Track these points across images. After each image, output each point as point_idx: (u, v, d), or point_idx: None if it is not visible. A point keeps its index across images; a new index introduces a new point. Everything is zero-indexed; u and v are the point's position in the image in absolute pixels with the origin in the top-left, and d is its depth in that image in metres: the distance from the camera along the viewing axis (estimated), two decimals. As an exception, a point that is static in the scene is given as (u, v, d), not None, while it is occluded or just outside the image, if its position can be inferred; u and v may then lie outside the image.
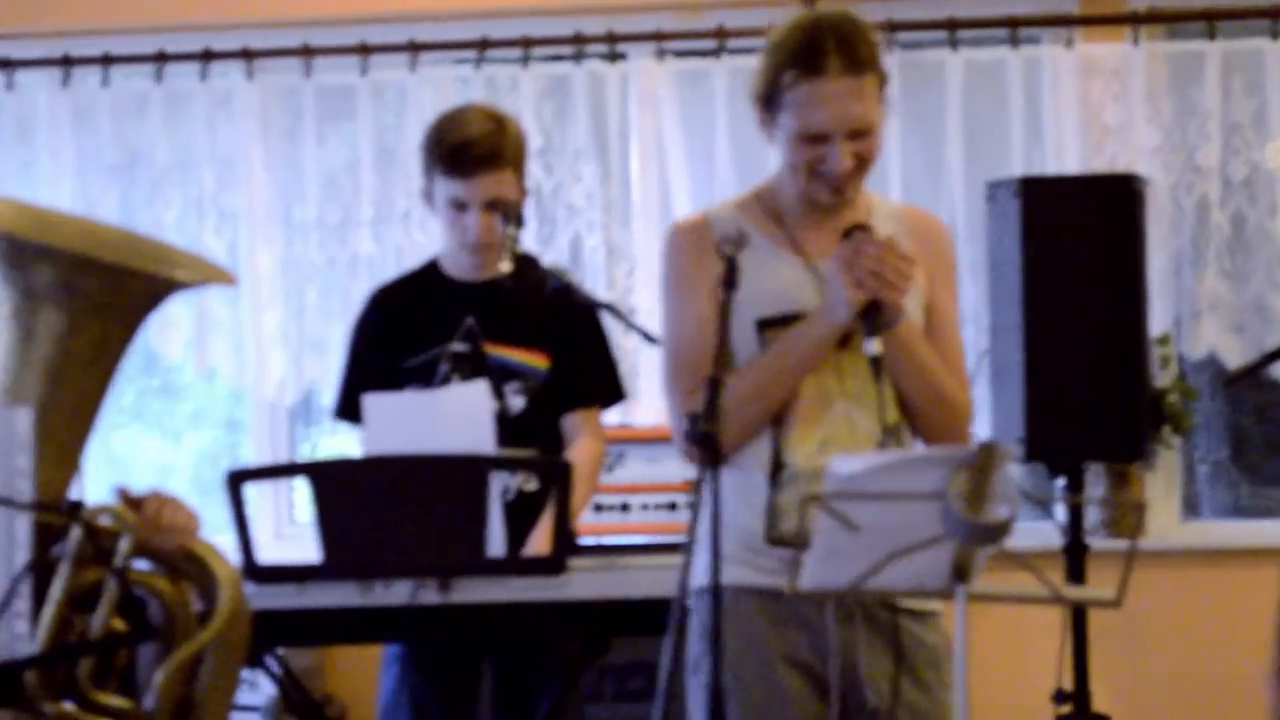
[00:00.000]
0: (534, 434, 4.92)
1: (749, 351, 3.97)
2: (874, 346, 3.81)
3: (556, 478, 4.44)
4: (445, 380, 4.92)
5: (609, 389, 5.07)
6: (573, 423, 4.99)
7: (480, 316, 4.95)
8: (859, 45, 3.89)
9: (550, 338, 4.97)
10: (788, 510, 3.91)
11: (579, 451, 4.94)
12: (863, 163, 3.93)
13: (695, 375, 3.92)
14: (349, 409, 5.00)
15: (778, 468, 3.97)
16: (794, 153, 3.94)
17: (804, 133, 3.90)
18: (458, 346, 4.95)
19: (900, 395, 4.01)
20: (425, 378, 4.94)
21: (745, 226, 3.93)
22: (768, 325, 3.97)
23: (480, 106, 5.15)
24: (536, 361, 4.98)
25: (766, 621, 3.96)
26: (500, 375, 4.94)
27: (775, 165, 4.08)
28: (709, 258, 3.96)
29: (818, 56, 3.86)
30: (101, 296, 3.24)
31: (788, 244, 4.00)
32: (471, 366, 4.94)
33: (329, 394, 6.68)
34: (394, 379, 4.94)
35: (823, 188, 3.93)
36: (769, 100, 3.95)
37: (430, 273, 5.12)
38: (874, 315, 3.83)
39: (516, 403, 4.95)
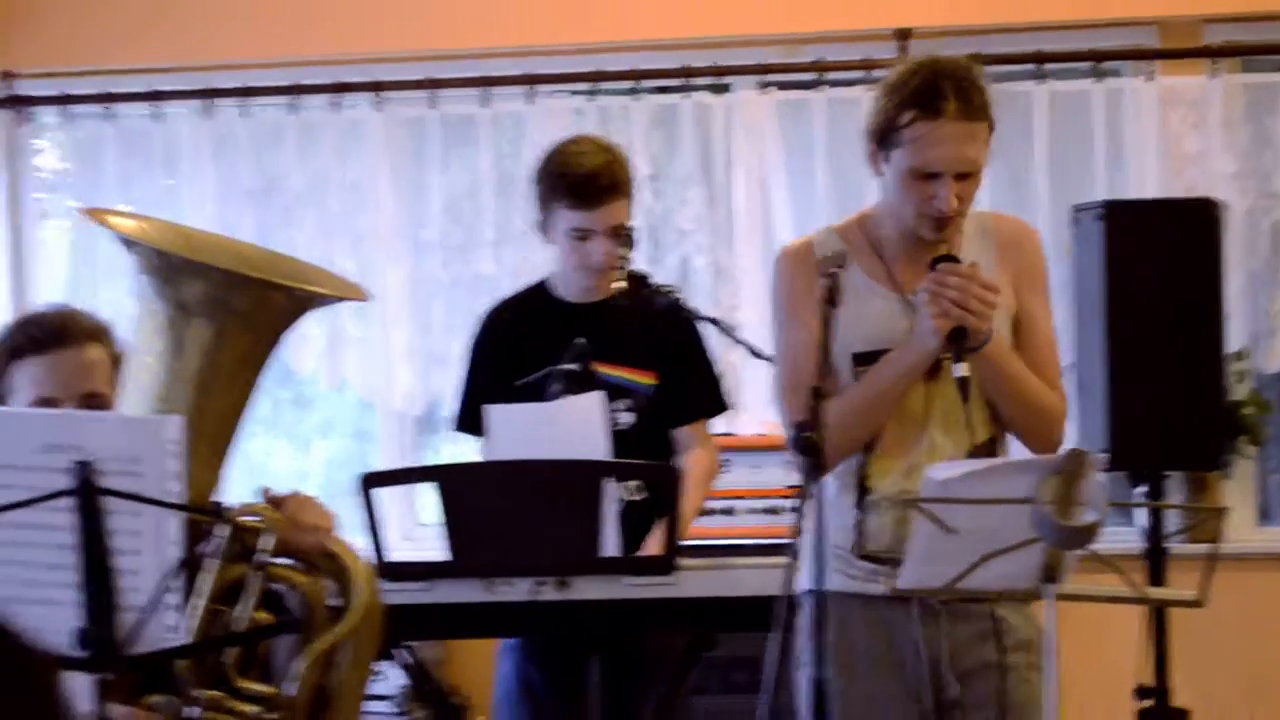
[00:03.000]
0: (642, 448, 4.92)
1: (844, 381, 3.99)
2: (961, 370, 3.82)
3: (666, 483, 4.45)
4: (555, 398, 4.91)
5: (715, 401, 5.08)
6: (685, 435, 5.00)
7: (590, 336, 4.96)
8: (974, 93, 3.91)
9: (657, 356, 4.97)
10: (874, 532, 3.97)
11: (693, 461, 4.96)
12: (965, 204, 3.93)
13: (804, 397, 3.93)
14: (466, 422, 5.02)
15: (863, 492, 3.98)
16: (904, 188, 3.94)
17: (918, 170, 3.90)
18: (568, 365, 4.96)
19: (994, 408, 4.01)
20: (537, 395, 4.94)
21: (847, 254, 3.94)
22: (862, 359, 3.98)
23: (590, 138, 5.14)
24: (644, 379, 4.99)
25: (863, 624, 3.98)
26: (611, 393, 4.94)
27: (872, 192, 4.08)
28: (813, 280, 3.94)
29: (937, 100, 3.87)
30: (247, 310, 3.26)
31: (884, 276, 4.02)
32: (581, 385, 4.94)
33: (452, 405, 6.72)
34: (507, 396, 4.94)
35: (928, 224, 3.94)
36: (884, 137, 3.94)
37: (540, 294, 5.12)
38: (960, 340, 3.84)
39: (625, 419, 4.96)
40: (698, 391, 5.03)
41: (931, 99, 3.87)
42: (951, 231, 3.97)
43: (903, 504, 3.72)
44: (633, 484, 4.86)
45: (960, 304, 3.83)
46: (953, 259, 3.92)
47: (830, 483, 4.04)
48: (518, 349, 5.02)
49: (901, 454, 3.99)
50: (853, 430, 3.89)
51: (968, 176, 3.91)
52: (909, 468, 3.97)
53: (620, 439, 4.89)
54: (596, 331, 4.97)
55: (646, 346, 4.98)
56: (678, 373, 4.99)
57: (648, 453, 4.93)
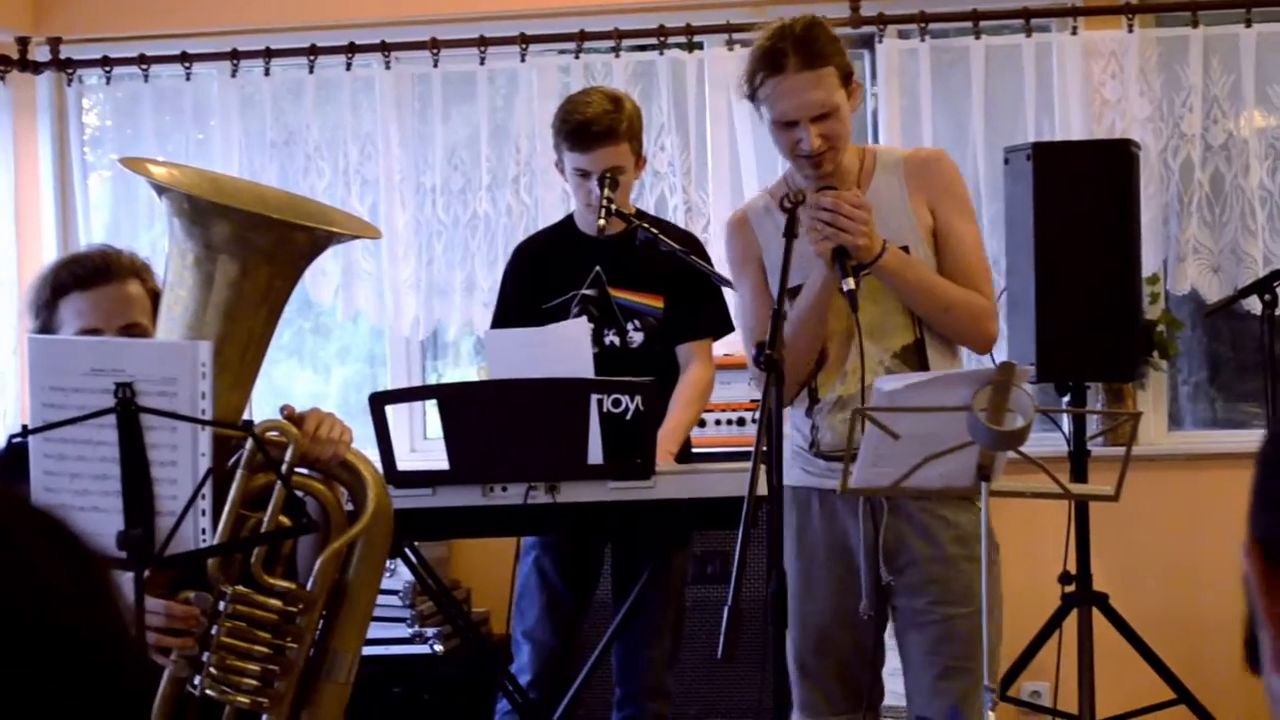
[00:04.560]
0: (653, 364, 4.95)
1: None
2: (848, 284, 3.82)
3: (646, 400, 4.46)
4: (578, 318, 4.97)
5: (717, 322, 5.10)
6: (686, 352, 5.04)
7: (606, 265, 5.00)
8: (814, 43, 3.94)
9: (664, 281, 5.00)
10: (824, 433, 4.05)
11: (689, 377, 5.00)
12: (833, 142, 3.96)
13: (759, 331, 4.02)
14: None
15: (814, 400, 4.04)
16: (776, 139, 4.02)
17: (778, 121, 3.97)
18: (588, 291, 5.00)
19: (915, 313, 4.03)
20: (562, 317, 4.99)
21: (772, 209, 4.07)
22: (792, 294, 4.02)
23: (602, 90, 5.17)
24: (653, 302, 5.02)
25: (820, 514, 4.09)
26: (623, 314, 4.98)
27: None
28: (750, 242, 4.17)
29: (779, 57, 3.93)
30: (270, 248, 3.26)
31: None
32: (598, 308, 4.98)
33: (454, 331, 6.73)
34: (536, 318, 4.98)
35: (804, 165, 3.98)
36: (752, 99, 4.01)
37: (566, 227, 5.17)
38: (844, 259, 3.84)
39: (637, 337, 5.00)
40: (697, 314, 5.05)
41: (774, 57, 3.93)
42: (828, 168, 3.98)
43: (852, 413, 3.73)
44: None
45: (833, 224, 3.85)
46: (829, 188, 3.94)
47: (790, 407, 4.11)
48: (545, 275, 5.07)
49: (837, 364, 4.06)
50: (793, 355, 3.90)
51: (825, 117, 3.92)
52: (844, 375, 4.05)
53: (632, 356, 4.95)
54: (611, 260, 5.00)
55: (655, 273, 5.01)
56: (682, 296, 5.01)
57: (657, 368, 4.97)
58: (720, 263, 6.35)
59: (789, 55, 3.90)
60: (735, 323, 4.29)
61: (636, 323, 5.00)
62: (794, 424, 4.14)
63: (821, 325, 4.00)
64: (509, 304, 5.13)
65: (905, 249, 4.01)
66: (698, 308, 5.05)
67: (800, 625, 4.04)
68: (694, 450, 5.25)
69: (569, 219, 5.20)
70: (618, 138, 4.91)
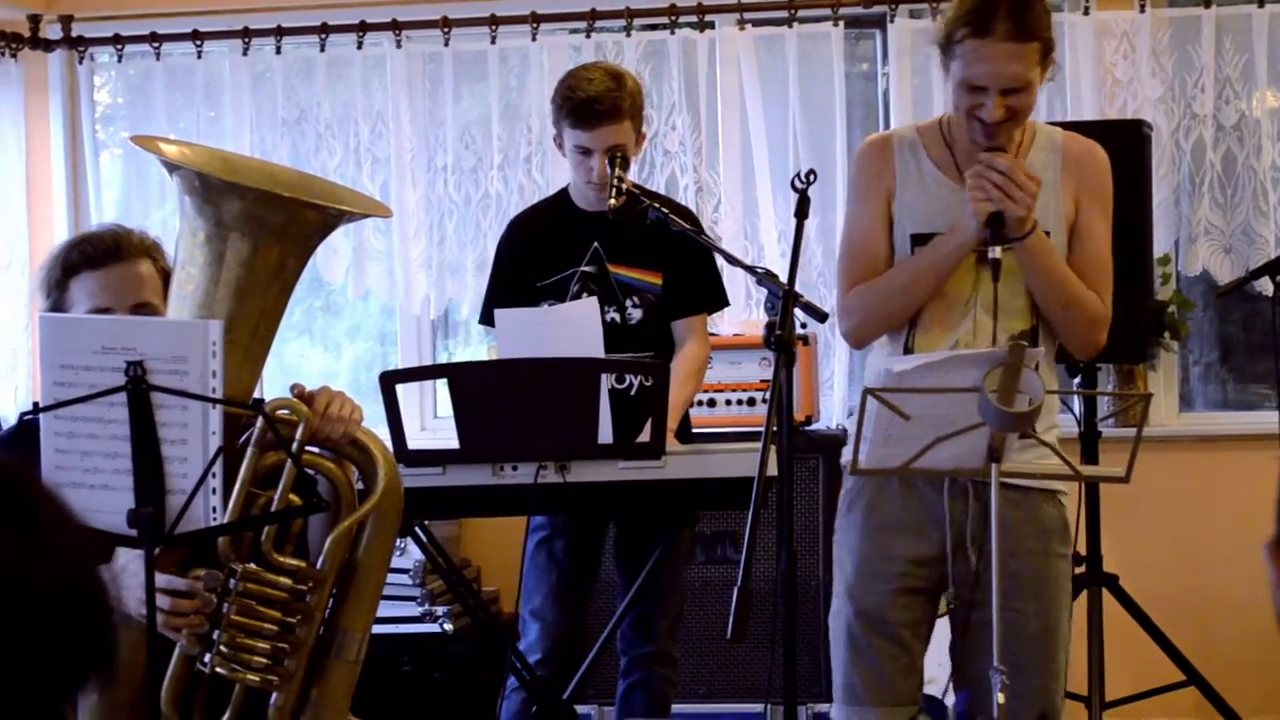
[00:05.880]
0: (651, 339, 4.95)
1: (901, 259, 3.97)
2: (995, 252, 3.76)
3: (657, 380, 4.45)
4: (575, 297, 4.94)
5: (712, 298, 5.08)
6: (682, 328, 5.01)
7: (604, 242, 4.97)
8: (1028, 15, 3.80)
9: (662, 258, 4.98)
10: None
11: (685, 353, 4.97)
12: (1015, 115, 3.85)
13: (860, 270, 3.97)
14: (489, 317, 5.03)
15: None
16: (957, 97, 3.88)
17: (966, 82, 3.83)
18: (587, 268, 4.98)
19: (1036, 300, 3.95)
20: (559, 295, 4.96)
21: (919, 147, 3.97)
22: (919, 240, 3.95)
23: (604, 65, 5.14)
24: (651, 279, 5.00)
25: (899, 493, 3.95)
26: (622, 291, 4.96)
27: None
28: (886, 170, 4.00)
29: (989, 20, 3.79)
30: (281, 226, 3.25)
31: (951, 167, 3.97)
32: (598, 285, 4.96)
33: (465, 310, 6.73)
34: (531, 295, 4.96)
35: (978, 130, 3.87)
36: (944, 48, 3.88)
37: (562, 201, 5.12)
38: (998, 226, 3.79)
39: (635, 314, 4.98)
40: (695, 290, 5.03)
41: (984, 18, 3.79)
42: (1003, 139, 3.88)
43: (863, 392, 3.69)
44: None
45: (1001, 188, 3.78)
46: (1000, 150, 3.87)
47: (876, 355, 4.02)
48: (542, 251, 5.03)
49: (946, 331, 3.94)
50: (894, 302, 3.84)
51: (1016, 91, 3.81)
52: (953, 344, 3.92)
53: (631, 332, 4.94)
54: (609, 237, 4.97)
55: (654, 250, 4.98)
56: (679, 273, 4.99)
57: (655, 344, 4.97)
58: (731, 239, 6.38)
59: (999, 20, 3.77)
60: (841, 247, 4.10)
61: (635, 299, 4.98)
62: (876, 381, 3.88)
63: (940, 284, 3.89)
64: (505, 279, 5.08)
65: (1046, 233, 3.93)
66: (695, 284, 5.03)
67: (858, 604, 3.91)
68: (699, 430, 5.25)
69: (564, 193, 5.16)
70: (620, 115, 4.89)
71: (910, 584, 3.95)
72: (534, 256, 5.02)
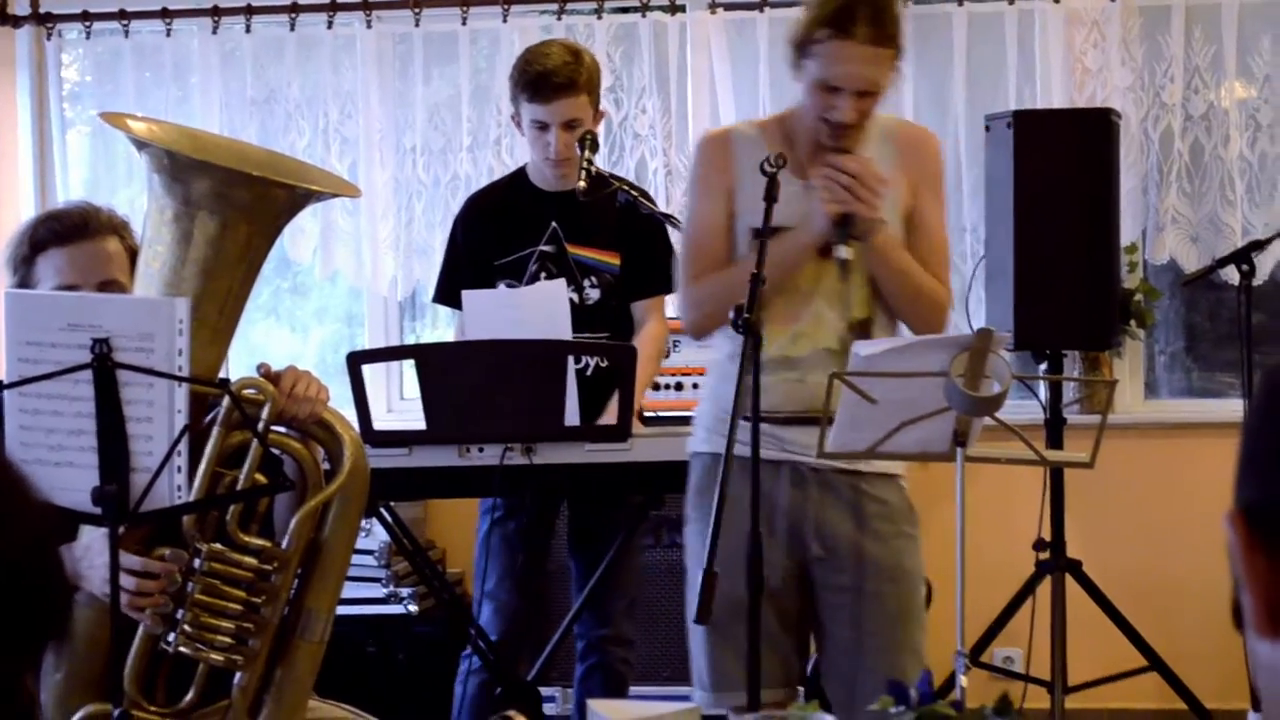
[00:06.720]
0: (608, 320, 4.96)
1: (742, 254, 3.97)
2: (844, 252, 3.80)
3: (622, 360, 4.46)
4: (534, 277, 4.94)
5: (669, 280, 5.08)
6: (641, 309, 5.01)
7: (563, 222, 4.96)
8: (887, 21, 3.86)
9: (621, 239, 4.98)
10: (765, 392, 3.73)
11: (646, 334, 4.97)
12: (864, 118, 3.91)
13: (701, 264, 3.99)
14: (445, 295, 5.03)
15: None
16: (811, 95, 3.92)
17: (824, 82, 3.87)
18: (545, 247, 4.97)
19: (883, 293, 3.98)
20: (517, 274, 4.96)
21: (760, 143, 3.96)
22: (760, 234, 3.97)
23: (560, 42, 5.16)
24: (610, 259, 5.00)
25: (744, 483, 3.81)
26: (580, 271, 4.96)
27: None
28: (728, 166, 4.01)
29: (850, 22, 3.83)
30: (249, 205, 3.25)
31: (793, 164, 3.96)
32: (556, 265, 4.96)
33: (432, 291, 6.71)
34: (488, 274, 4.96)
35: (827, 131, 3.91)
36: (801, 47, 3.92)
37: (519, 181, 5.12)
38: (846, 225, 3.82)
39: (593, 294, 4.97)
40: (654, 271, 5.03)
41: (844, 20, 3.83)
42: (850, 142, 3.93)
43: (830, 377, 3.69)
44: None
45: (850, 190, 3.82)
46: (848, 151, 3.90)
47: (723, 353, 4.02)
48: (499, 230, 5.02)
49: (788, 322, 3.94)
50: (738, 296, 3.73)
51: (869, 95, 3.87)
52: (795, 335, 3.95)
53: (588, 312, 4.93)
54: (568, 216, 4.96)
55: (613, 230, 4.97)
56: (638, 254, 4.99)
57: (612, 324, 4.97)
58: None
59: (859, 24, 3.82)
60: (683, 245, 4.11)
61: (593, 279, 4.98)
62: (722, 384, 3.92)
63: (786, 279, 3.89)
64: (461, 258, 5.07)
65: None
66: (655, 265, 5.02)
67: (721, 595, 3.70)
68: (666, 415, 5.26)
69: (521, 173, 5.16)
70: (577, 89, 4.89)
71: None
72: (492, 235, 5.02)
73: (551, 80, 4.85)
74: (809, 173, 3.94)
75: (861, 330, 3.95)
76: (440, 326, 7.00)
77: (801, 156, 3.99)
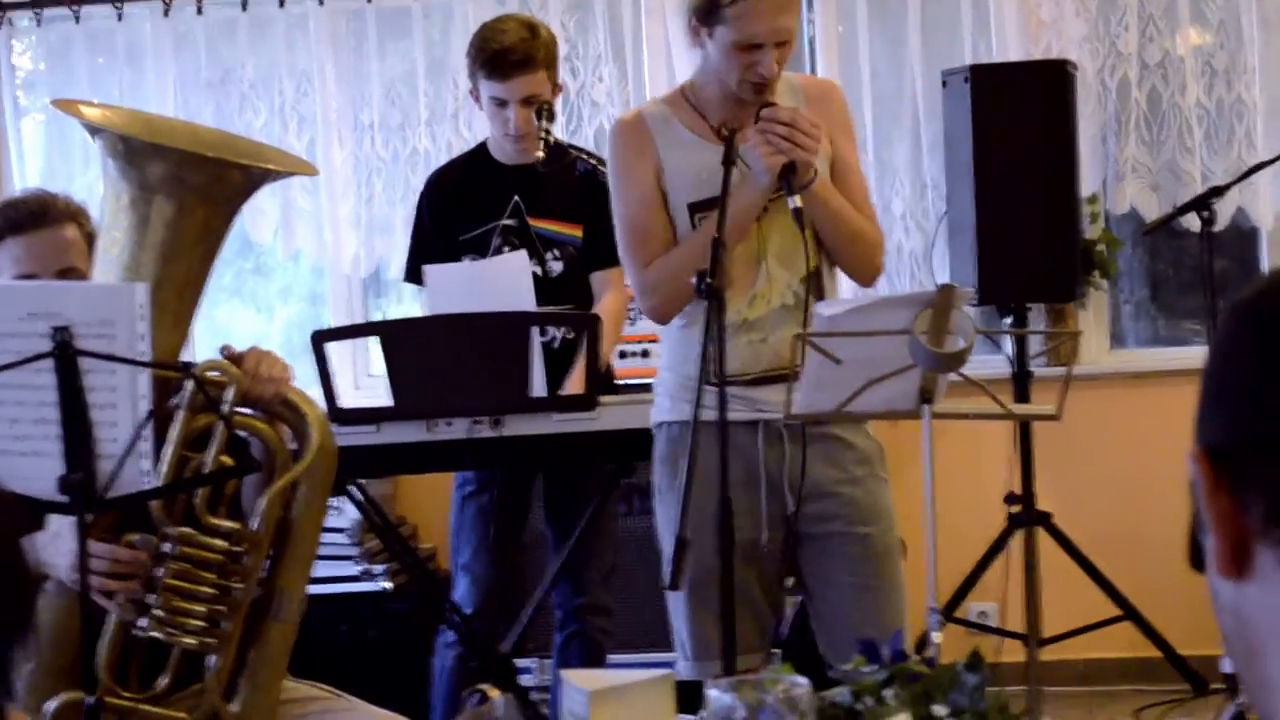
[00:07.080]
0: (571, 292, 4.95)
1: (683, 230, 3.99)
2: (795, 201, 3.80)
3: (587, 328, 4.45)
4: (497, 250, 4.94)
5: None
6: (600, 280, 5.01)
7: (524, 195, 4.96)
8: None
9: (582, 210, 4.97)
10: (730, 355, 3.73)
11: (606, 305, 4.97)
12: (781, 67, 3.95)
13: (648, 248, 4.02)
14: (414, 274, 5.02)
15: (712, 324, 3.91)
16: (728, 59, 3.93)
17: (742, 42, 3.89)
18: (507, 221, 4.97)
19: (821, 239, 3.99)
20: (480, 248, 4.96)
21: (672, 119, 4.01)
22: (697, 207, 3.98)
23: (516, 17, 5.15)
24: (571, 231, 5.00)
25: (716, 447, 3.73)
26: (543, 244, 4.96)
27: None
28: (648, 148, 4.03)
29: None
30: (205, 186, 3.24)
31: (708, 132, 4.01)
32: (519, 238, 4.95)
33: (395, 268, 6.69)
34: (453, 249, 4.96)
35: (749, 89, 3.94)
36: (707, 14, 3.92)
37: (480, 155, 5.12)
38: (791, 175, 3.83)
39: (556, 266, 4.98)
40: (613, 242, 5.02)
41: None
42: (771, 95, 3.96)
43: (794, 338, 3.70)
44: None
45: (789, 139, 3.83)
46: (774, 105, 3.92)
47: (675, 322, 4.03)
48: (463, 206, 5.02)
49: (743, 288, 3.95)
50: (695, 271, 3.73)
51: (785, 44, 3.91)
52: (751, 297, 3.96)
53: (551, 285, 4.93)
54: (530, 190, 4.96)
55: (573, 202, 4.97)
56: (598, 225, 4.98)
57: (576, 297, 4.97)
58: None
59: None
60: (621, 232, 4.13)
61: (556, 252, 4.98)
62: (684, 351, 3.97)
63: (736, 244, 3.87)
64: (427, 236, 5.08)
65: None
66: (611, 235, 5.02)
67: (696, 561, 3.69)
68: (634, 381, 5.26)
69: (482, 147, 5.15)
70: (535, 65, 4.88)
71: (745, 536, 3.87)
72: (455, 211, 5.02)
73: (509, 58, 4.85)
74: (741, 135, 3.93)
75: (813, 280, 3.96)
76: (406, 301, 6.99)
77: (713, 121, 4.02)
